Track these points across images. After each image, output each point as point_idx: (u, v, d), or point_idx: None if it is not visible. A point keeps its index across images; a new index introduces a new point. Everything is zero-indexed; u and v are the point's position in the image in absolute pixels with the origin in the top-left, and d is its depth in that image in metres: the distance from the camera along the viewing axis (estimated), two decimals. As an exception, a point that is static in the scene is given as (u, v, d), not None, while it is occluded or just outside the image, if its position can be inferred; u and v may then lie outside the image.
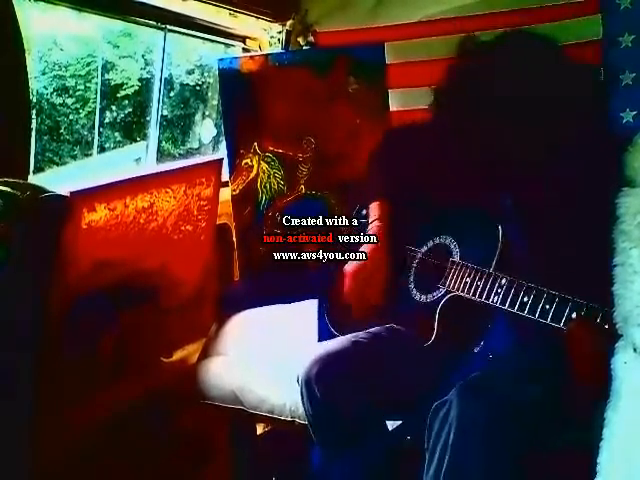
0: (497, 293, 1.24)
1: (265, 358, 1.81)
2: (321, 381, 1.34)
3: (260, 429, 2.04)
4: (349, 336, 1.45)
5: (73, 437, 1.49)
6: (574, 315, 1.12)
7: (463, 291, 1.32)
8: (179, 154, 3.43)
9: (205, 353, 1.90)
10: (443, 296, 1.37)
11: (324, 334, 1.55)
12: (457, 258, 1.38)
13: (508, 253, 1.30)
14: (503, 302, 1.23)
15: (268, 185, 2.12)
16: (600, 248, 1.06)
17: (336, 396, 1.34)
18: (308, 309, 1.76)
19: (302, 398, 1.39)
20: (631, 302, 1.02)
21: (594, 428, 1.02)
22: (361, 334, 1.46)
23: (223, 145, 2.24)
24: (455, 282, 1.34)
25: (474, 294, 1.29)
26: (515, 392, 1.14)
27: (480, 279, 1.29)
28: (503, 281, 1.24)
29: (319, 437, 1.41)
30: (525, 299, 1.19)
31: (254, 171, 2.12)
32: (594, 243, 1.09)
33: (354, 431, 1.36)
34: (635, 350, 1.00)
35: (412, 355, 1.39)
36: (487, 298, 1.26)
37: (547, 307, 1.15)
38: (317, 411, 1.37)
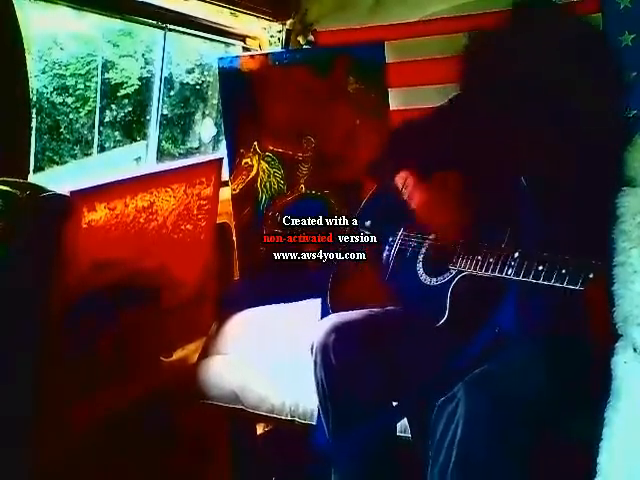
0: (511, 266, 1.22)
1: (265, 358, 1.81)
2: (338, 349, 1.34)
3: (260, 429, 2.04)
4: (365, 310, 1.45)
5: (73, 437, 1.49)
6: (591, 275, 1.10)
7: (475, 269, 1.30)
8: (179, 153, 3.43)
9: (205, 352, 1.90)
10: (454, 277, 1.35)
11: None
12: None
13: (519, 234, 1.28)
14: (517, 273, 1.20)
15: (268, 184, 2.12)
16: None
17: (351, 365, 1.34)
18: (308, 309, 1.77)
19: (315, 366, 1.38)
20: (631, 302, 1.02)
21: (598, 423, 1.02)
22: (377, 309, 1.46)
23: (223, 144, 2.23)
24: (466, 262, 1.33)
25: (487, 270, 1.27)
26: (522, 387, 1.13)
27: (492, 256, 1.27)
28: (516, 254, 1.22)
29: (330, 408, 1.39)
30: (540, 267, 1.16)
31: (254, 170, 2.12)
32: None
33: (365, 405, 1.35)
34: (635, 350, 1.00)
35: (424, 334, 1.38)
36: (500, 272, 1.24)
37: (563, 271, 1.13)
38: (331, 379, 1.36)
